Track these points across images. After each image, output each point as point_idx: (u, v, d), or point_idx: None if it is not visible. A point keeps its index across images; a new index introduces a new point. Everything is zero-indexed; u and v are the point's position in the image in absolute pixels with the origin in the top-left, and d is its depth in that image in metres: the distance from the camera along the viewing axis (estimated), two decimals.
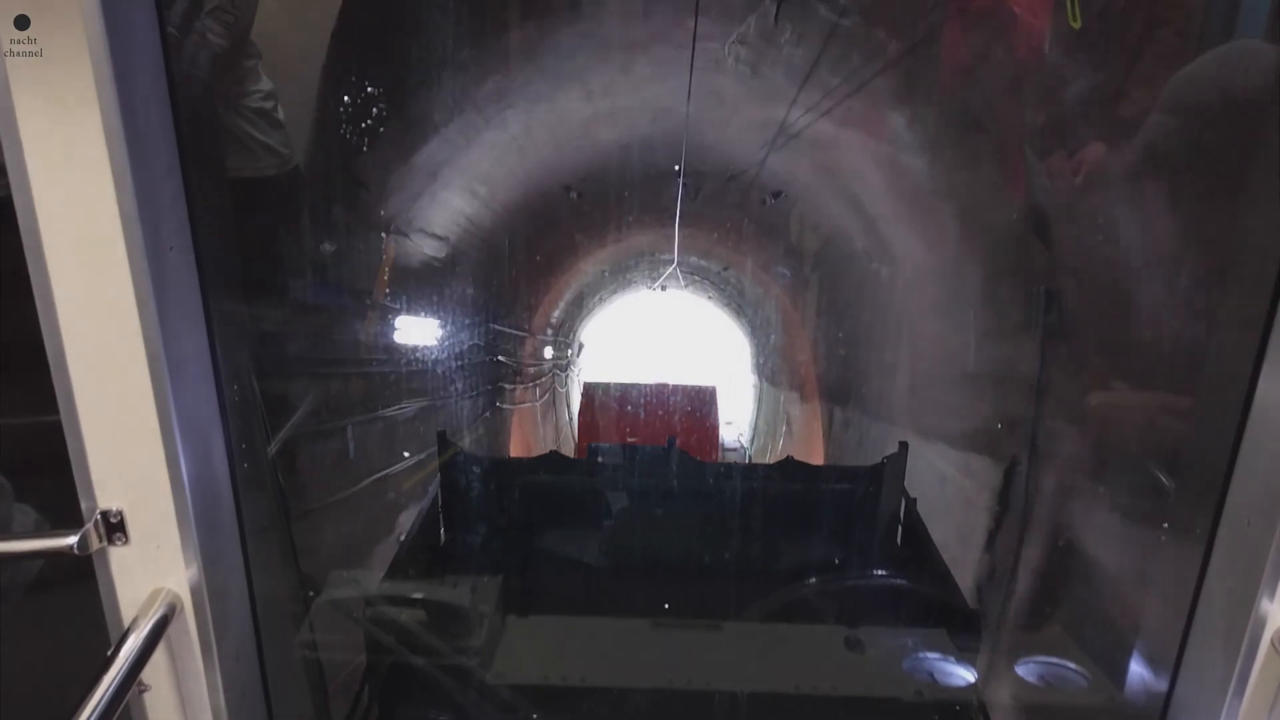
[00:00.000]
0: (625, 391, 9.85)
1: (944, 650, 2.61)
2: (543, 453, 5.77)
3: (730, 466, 4.79)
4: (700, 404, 9.92)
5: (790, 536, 3.59)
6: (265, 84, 2.95)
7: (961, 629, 2.61)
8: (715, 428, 9.80)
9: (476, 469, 3.71)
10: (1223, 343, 1.73)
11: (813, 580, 3.49)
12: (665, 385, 10.39)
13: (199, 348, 1.38)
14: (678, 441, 3.83)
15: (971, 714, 2.43)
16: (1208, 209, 2.30)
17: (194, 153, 1.34)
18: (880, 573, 3.61)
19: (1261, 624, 1.33)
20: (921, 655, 2.59)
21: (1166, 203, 2.54)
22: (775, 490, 3.58)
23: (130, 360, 1.23)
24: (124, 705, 1.23)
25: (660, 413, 9.79)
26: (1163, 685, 1.60)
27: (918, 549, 3.33)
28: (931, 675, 2.50)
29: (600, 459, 3.88)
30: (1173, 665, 1.55)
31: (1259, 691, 1.37)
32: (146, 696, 1.42)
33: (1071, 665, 2.21)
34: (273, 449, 2.04)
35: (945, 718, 2.42)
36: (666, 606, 2.88)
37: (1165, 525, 1.79)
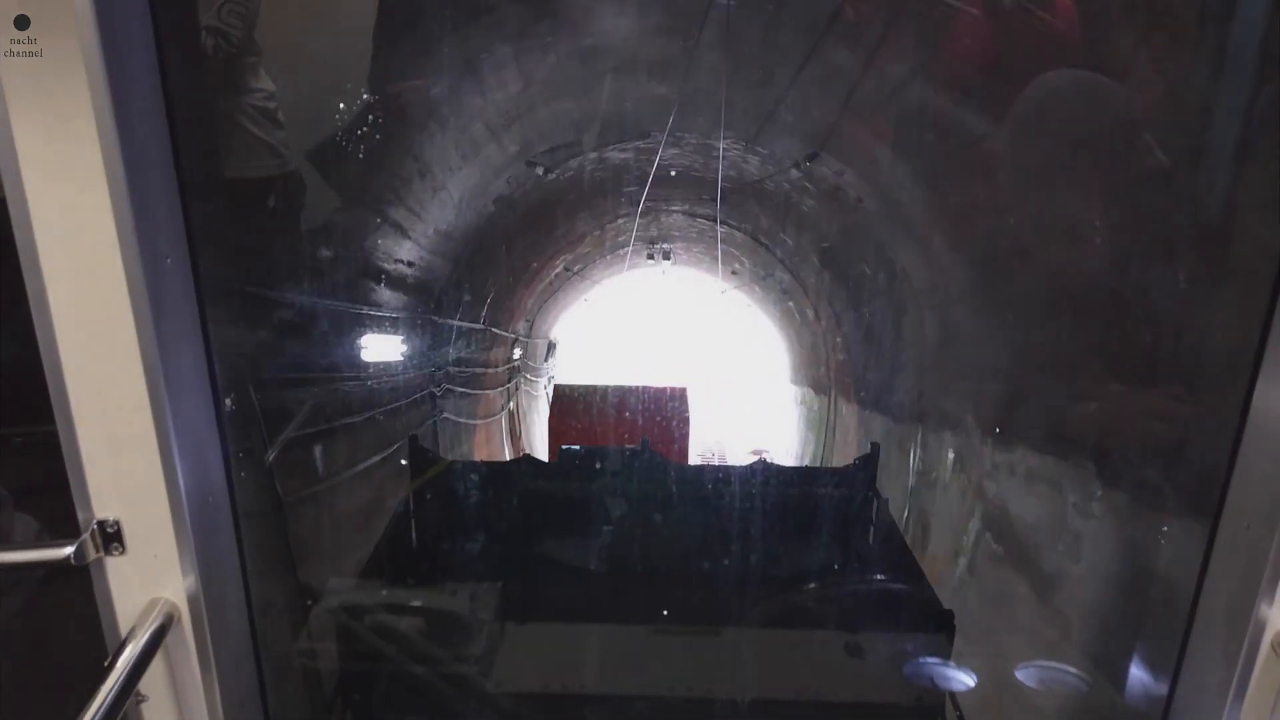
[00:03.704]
0: (598, 393, 9.35)
1: (927, 653, 2.60)
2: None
3: (702, 468, 4.71)
4: (673, 405, 9.52)
5: (764, 538, 3.57)
6: (266, 83, 2.94)
7: (935, 628, 2.61)
8: (688, 428, 9.37)
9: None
10: (1222, 348, 1.73)
11: (786, 583, 3.47)
12: (637, 387, 9.78)
13: (196, 358, 1.37)
14: (651, 443, 3.78)
15: (947, 715, 2.42)
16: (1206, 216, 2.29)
17: (191, 161, 1.34)
18: (854, 574, 3.60)
19: (1261, 627, 1.33)
20: (910, 659, 2.58)
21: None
22: (749, 492, 3.56)
23: (127, 370, 1.23)
24: (122, 715, 1.23)
25: (631, 414, 9.28)
26: (1163, 689, 1.60)
27: (890, 549, 3.33)
28: (912, 678, 2.49)
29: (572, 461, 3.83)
30: (1173, 669, 1.55)
31: (1259, 694, 1.37)
32: (144, 706, 1.41)
33: (1071, 669, 2.20)
34: (269, 457, 2.03)
35: (922, 718, 2.42)
36: (665, 613, 2.87)
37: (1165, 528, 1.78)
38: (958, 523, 3.92)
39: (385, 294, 4.47)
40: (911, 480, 4.97)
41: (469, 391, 7.16)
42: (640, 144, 5.43)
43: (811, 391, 10.51)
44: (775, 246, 8.10)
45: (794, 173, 5.54)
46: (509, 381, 9.64)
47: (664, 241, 9.38)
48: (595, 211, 7.29)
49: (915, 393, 5.11)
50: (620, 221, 7.81)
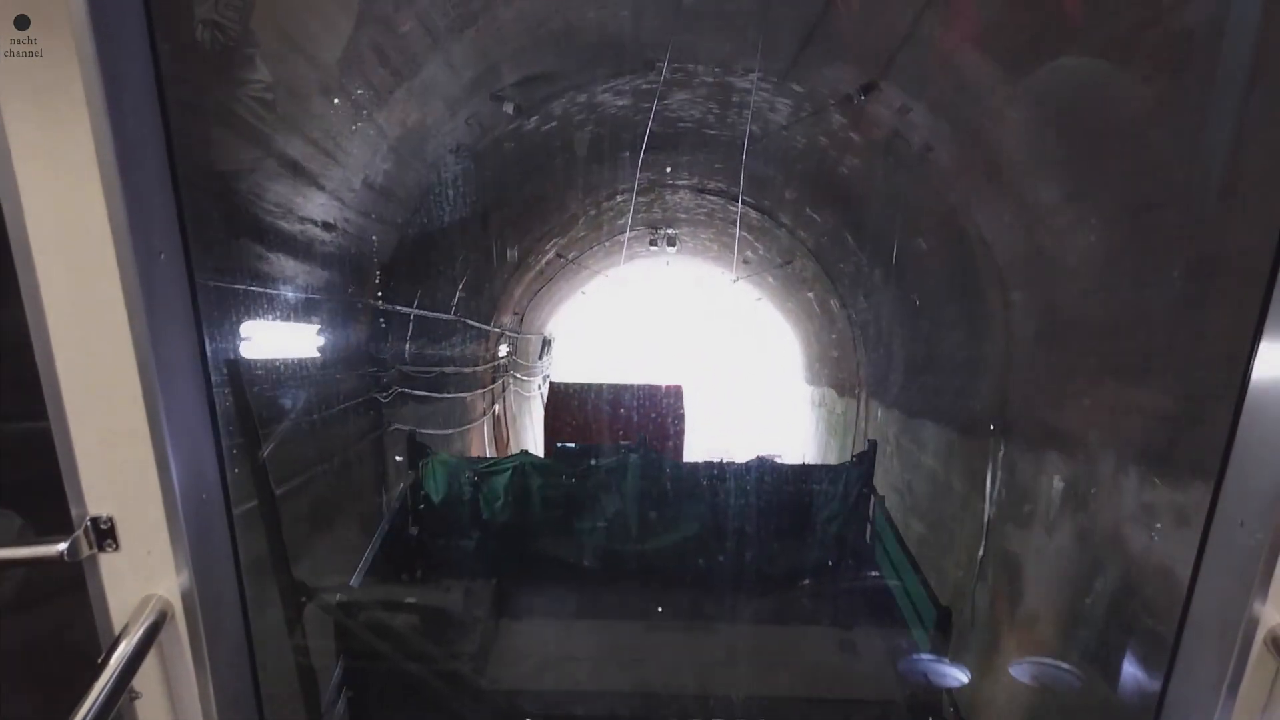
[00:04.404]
0: (593, 390, 9.03)
1: (924, 648, 2.61)
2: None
3: (697, 464, 4.71)
4: (668, 403, 9.31)
5: (759, 534, 3.57)
6: (263, 73, 2.92)
7: (932, 625, 2.62)
8: (683, 425, 9.24)
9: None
10: (1216, 348, 1.72)
11: (780, 579, 3.48)
12: (632, 385, 9.48)
13: (190, 354, 1.36)
14: (646, 439, 3.76)
15: (944, 712, 2.44)
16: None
17: (185, 158, 1.33)
18: (850, 569, 3.62)
19: (1254, 624, 1.34)
20: (907, 655, 2.59)
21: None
22: (744, 489, 3.57)
23: (120, 366, 1.22)
24: (115, 712, 1.22)
25: (627, 411, 9.00)
26: (1156, 685, 1.60)
27: (887, 545, 3.35)
28: (909, 674, 2.49)
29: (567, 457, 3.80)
30: (1166, 665, 1.56)
31: (1252, 691, 1.38)
32: (138, 704, 1.41)
33: (1065, 665, 2.21)
34: (263, 454, 2.02)
35: (917, 715, 2.43)
36: (660, 610, 2.87)
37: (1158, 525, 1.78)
38: (1076, 579, 2.84)
39: (284, 265, 3.11)
40: (990, 510, 3.85)
41: (434, 395, 5.86)
42: (642, 83, 3.94)
43: (833, 392, 9.05)
44: (800, 226, 6.68)
45: (836, 119, 4.01)
46: (494, 382, 8.55)
47: (668, 226, 8.16)
48: (589, 184, 5.92)
49: (995, 398, 3.93)
50: (619, 200, 6.35)
